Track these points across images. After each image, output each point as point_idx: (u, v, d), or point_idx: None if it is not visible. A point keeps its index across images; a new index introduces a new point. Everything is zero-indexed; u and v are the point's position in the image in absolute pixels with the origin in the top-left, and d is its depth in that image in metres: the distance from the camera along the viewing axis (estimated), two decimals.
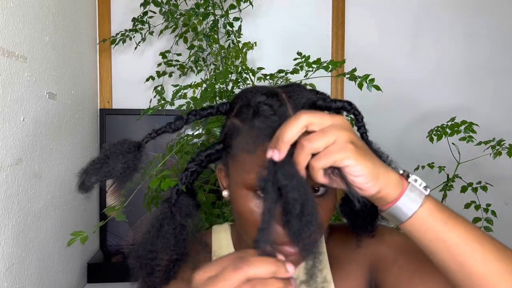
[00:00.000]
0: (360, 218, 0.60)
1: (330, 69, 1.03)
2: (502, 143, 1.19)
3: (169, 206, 0.56)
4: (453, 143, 1.26)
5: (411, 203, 0.45)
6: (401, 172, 0.48)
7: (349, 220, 0.63)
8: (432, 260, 0.47)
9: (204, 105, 1.07)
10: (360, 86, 0.99)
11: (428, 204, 0.45)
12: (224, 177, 0.61)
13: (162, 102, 1.07)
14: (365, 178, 0.43)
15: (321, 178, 0.43)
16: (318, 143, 0.42)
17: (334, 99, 0.55)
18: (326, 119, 0.43)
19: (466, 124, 1.17)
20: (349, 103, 0.54)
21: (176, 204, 0.56)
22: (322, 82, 1.55)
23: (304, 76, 1.07)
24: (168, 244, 0.54)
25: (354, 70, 1.02)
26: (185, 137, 1.07)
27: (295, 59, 1.09)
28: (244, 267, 0.38)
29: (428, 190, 0.46)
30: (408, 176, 0.47)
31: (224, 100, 1.16)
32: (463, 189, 1.22)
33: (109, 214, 0.89)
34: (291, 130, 0.43)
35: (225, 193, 0.61)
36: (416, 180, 0.46)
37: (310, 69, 1.06)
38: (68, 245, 0.82)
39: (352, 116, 0.56)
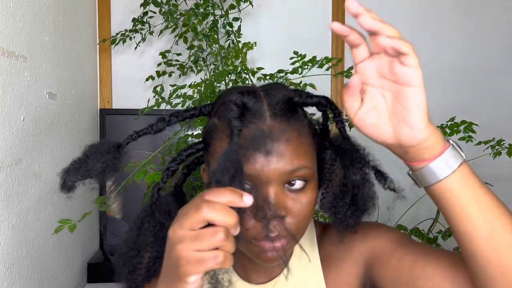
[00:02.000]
0: (340, 212, 0.59)
1: (326, 67, 1.03)
2: (502, 143, 1.19)
3: (150, 205, 0.57)
4: None
5: (453, 159, 0.45)
6: None
7: (329, 215, 0.62)
8: (459, 231, 0.46)
9: None
10: None
11: (465, 165, 0.45)
12: (207, 176, 0.61)
13: (160, 101, 1.07)
14: (422, 113, 0.42)
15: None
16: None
17: (310, 94, 0.55)
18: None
19: (466, 124, 1.17)
20: (326, 98, 0.54)
21: (156, 202, 0.57)
22: (322, 83, 1.55)
23: (299, 74, 1.07)
24: (148, 241, 0.55)
25: (351, 68, 1.02)
26: (184, 136, 1.07)
27: (291, 58, 1.09)
28: (204, 208, 0.40)
29: (464, 155, 0.46)
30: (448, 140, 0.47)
31: None
32: None
33: (98, 203, 0.90)
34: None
35: None
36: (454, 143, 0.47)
37: (306, 67, 1.06)
38: (55, 233, 0.82)
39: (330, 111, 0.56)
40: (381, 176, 0.55)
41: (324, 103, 0.54)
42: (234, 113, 0.49)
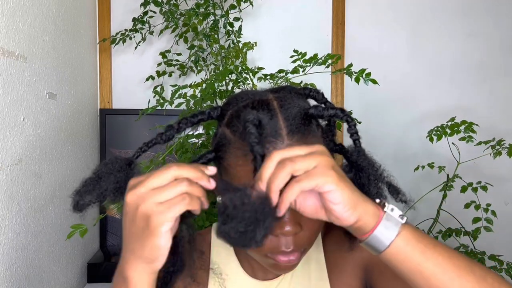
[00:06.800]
0: None
1: (327, 64, 1.03)
2: (502, 143, 1.19)
3: None
4: (453, 143, 1.26)
5: (387, 232, 0.45)
6: (377, 201, 0.48)
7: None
8: None
9: (204, 105, 1.07)
10: (357, 80, 0.99)
11: (404, 233, 0.45)
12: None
13: (161, 101, 1.07)
14: (344, 206, 0.43)
15: (291, 198, 0.43)
16: (300, 165, 0.42)
17: (326, 106, 0.55)
18: (301, 149, 0.44)
19: (466, 124, 1.17)
20: (342, 110, 0.54)
21: None
22: (323, 83, 1.55)
23: (302, 71, 1.07)
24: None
25: (351, 65, 1.02)
26: (185, 136, 1.07)
27: (291, 57, 1.09)
28: (172, 166, 0.44)
29: (405, 219, 0.46)
30: (384, 206, 0.47)
31: (224, 100, 1.16)
32: (463, 189, 1.22)
33: (108, 206, 0.90)
34: (267, 170, 0.44)
35: (219, 199, 0.61)
36: (392, 209, 0.46)
37: (308, 65, 1.06)
38: (68, 238, 0.82)
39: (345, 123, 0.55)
40: (394, 190, 0.55)
41: (340, 116, 0.54)
42: (254, 137, 0.48)
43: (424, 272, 0.44)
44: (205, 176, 0.45)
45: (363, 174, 0.53)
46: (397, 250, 0.45)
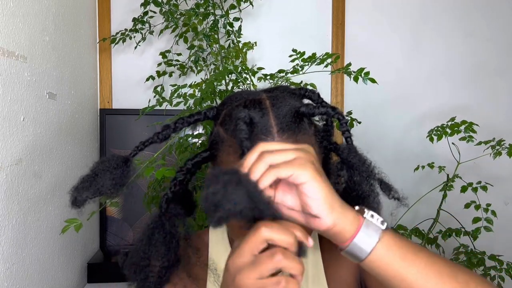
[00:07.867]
0: None
1: (326, 64, 1.03)
2: (502, 143, 1.19)
3: (159, 215, 0.57)
4: (453, 143, 1.26)
5: (368, 239, 0.44)
6: (357, 208, 0.48)
7: None
8: None
9: (204, 105, 1.07)
10: (356, 79, 0.99)
11: (385, 240, 0.45)
12: None
13: (161, 100, 1.07)
14: (320, 202, 0.42)
15: (266, 182, 0.43)
16: (278, 157, 0.43)
17: (317, 104, 0.55)
18: (287, 145, 0.45)
19: (466, 124, 1.17)
20: (333, 108, 0.54)
21: (166, 213, 0.57)
22: (323, 83, 1.55)
23: (300, 68, 1.07)
24: (159, 252, 0.56)
25: (349, 65, 1.02)
26: (185, 136, 1.07)
27: (290, 56, 1.09)
28: (262, 228, 0.41)
29: (385, 224, 0.46)
30: (363, 212, 0.47)
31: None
32: (463, 189, 1.22)
33: (103, 201, 0.90)
34: (249, 160, 0.44)
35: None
36: (372, 216, 0.46)
37: (306, 64, 1.06)
38: (63, 232, 0.83)
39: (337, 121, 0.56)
40: (386, 187, 0.55)
41: (331, 114, 0.54)
42: (244, 133, 0.49)
43: (406, 279, 0.44)
44: (293, 241, 0.42)
45: (354, 171, 0.54)
46: (378, 257, 0.44)
